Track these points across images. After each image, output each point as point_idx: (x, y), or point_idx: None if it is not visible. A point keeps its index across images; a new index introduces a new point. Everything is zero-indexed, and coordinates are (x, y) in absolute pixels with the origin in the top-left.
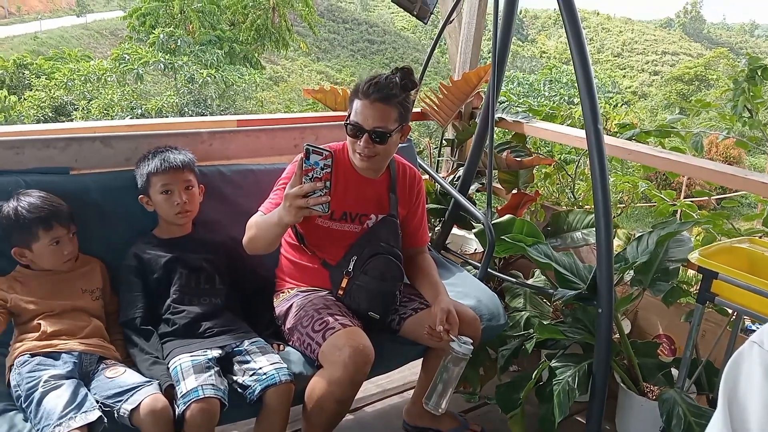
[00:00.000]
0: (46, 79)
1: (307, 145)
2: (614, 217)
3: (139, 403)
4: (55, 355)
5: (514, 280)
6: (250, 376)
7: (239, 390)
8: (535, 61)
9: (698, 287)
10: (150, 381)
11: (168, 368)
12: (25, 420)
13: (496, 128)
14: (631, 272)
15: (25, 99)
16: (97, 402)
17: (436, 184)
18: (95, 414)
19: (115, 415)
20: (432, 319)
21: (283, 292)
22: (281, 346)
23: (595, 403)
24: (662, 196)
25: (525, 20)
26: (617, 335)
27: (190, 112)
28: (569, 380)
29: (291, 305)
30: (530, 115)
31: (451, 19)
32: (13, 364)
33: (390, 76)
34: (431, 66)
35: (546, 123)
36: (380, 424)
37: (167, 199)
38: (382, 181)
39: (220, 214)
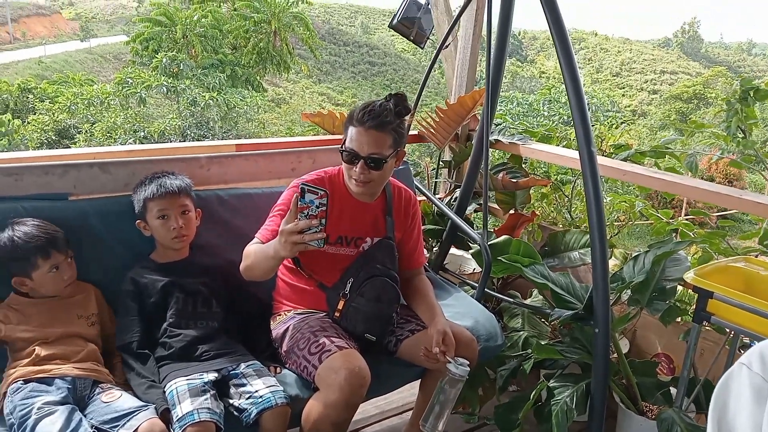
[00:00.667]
0: (49, 102)
1: (303, 184)
2: (611, 236)
3: (137, 429)
4: (48, 381)
5: (511, 300)
6: (246, 399)
7: (235, 413)
8: (534, 81)
9: (695, 306)
10: (146, 405)
11: (164, 392)
12: None
13: (492, 149)
14: (629, 291)
15: (29, 123)
16: (93, 427)
17: (434, 205)
18: None
19: None
20: (428, 341)
21: (280, 315)
22: (278, 368)
23: (593, 423)
24: (659, 215)
25: (524, 41)
26: (615, 355)
27: (192, 134)
28: (567, 400)
29: (287, 327)
30: (526, 136)
31: (446, 44)
32: (6, 392)
33: (384, 102)
34: (431, 87)
35: (542, 144)
36: None
37: (164, 224)
38: (377, 204)
39: (217, 238)
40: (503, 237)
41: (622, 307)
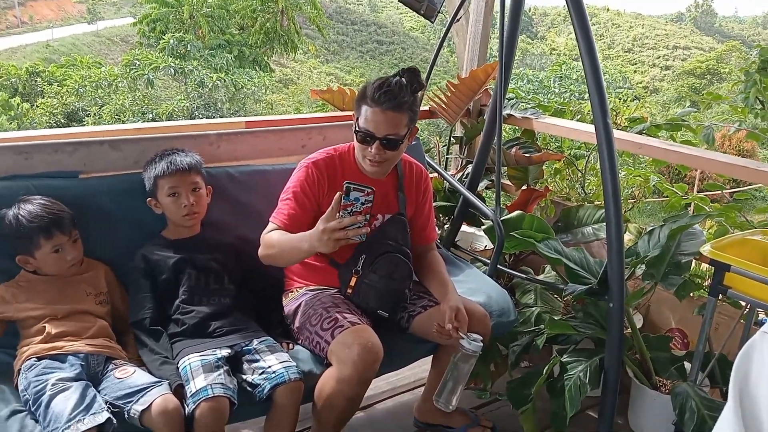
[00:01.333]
0: (58, 86)
1: (348, 183)
2: (625, 211)
3: (150, 404)
4: (61, 358)
5: (524, 276)
6: (260, 374)
7: (248, 389)
8: (544, 58)
9: (710, 280)
10: (160, 381)
11: (177, 368)
12: (36, 422)
13: (505, 125)
14: (643, 266)
15: (37, 106)
16: (107, 403)
17: (445, 181)
18: (104, 415)
19: (125, 415)
20: (441, 317)
21: (292, 291)
22: (290, 344)
23: (607, 398)
24: (674, 189)
25: (534, 17)
26: (629, 329)
27: (200, 115)
28: (581, 375)
29: (300, 304)
30: (539, 111)
31: (458, 17)
32: (20, 369)
33: (398, 79)
34: (440, 65)
35: (555, 119)
36: (391, 422)
37: (174, 201)
38: (389, 180)
39: (228, 215)
40: (516, 212)
41: (636, 281)
